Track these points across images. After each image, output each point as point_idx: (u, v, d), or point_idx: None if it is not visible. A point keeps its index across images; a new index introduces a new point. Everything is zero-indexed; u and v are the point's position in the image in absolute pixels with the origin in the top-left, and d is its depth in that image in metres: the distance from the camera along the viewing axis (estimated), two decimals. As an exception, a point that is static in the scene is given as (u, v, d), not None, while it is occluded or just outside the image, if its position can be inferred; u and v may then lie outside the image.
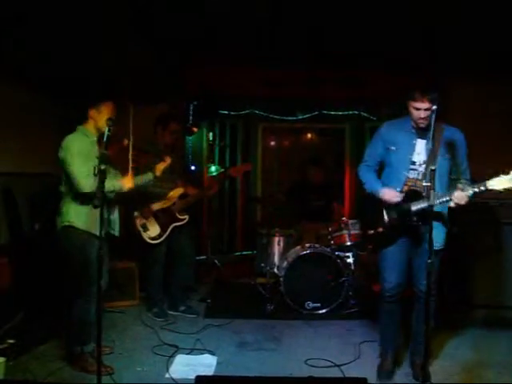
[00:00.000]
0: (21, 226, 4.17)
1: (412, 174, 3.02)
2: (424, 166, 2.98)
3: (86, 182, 2.97)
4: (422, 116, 2.88)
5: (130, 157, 3.06)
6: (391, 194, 3.00)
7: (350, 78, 5.58)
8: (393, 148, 3.08)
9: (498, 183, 2.62)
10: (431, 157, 2.75)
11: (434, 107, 2.58)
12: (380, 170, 3.26)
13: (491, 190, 2.67)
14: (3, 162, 3.97)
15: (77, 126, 3.20)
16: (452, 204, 2.79)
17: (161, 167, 3.63)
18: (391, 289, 3.07)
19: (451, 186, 3.00)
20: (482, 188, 2.69)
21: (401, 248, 3.06)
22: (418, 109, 2.89)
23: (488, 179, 2.66)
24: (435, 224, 2.82)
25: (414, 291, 3.12)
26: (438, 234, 2.95)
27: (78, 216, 3.10)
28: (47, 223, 4.09)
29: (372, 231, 3.13)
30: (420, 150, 3.01)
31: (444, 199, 2.79)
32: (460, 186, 2.80)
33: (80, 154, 3.02)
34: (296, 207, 5.41)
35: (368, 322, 4.13)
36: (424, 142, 2.99)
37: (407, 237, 3.05)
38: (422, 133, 2.99)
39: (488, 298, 4.37)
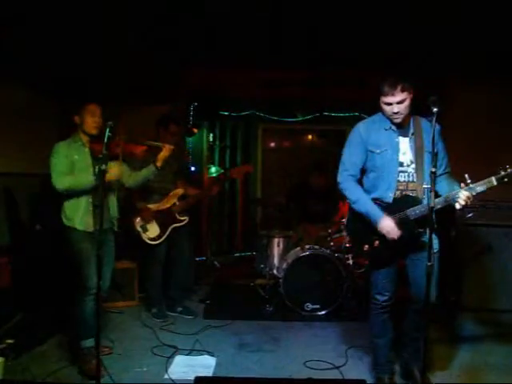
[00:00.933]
0: (21, 226, 4.17)
1: (402, 177, 2.78)
2: (413, 166, 2.77)
3: (58, 178, 3.10)
4: (396, 111, 2.68)
5: (120, 153, 3.11)
6: (395, 231, 2.70)
7: (349, 79, 5.58)
8: (376, 150, 2.81)
9: (504, 177, 2.50)
10: (432, 157, 2.42)
11: (435, 109, 2.40)
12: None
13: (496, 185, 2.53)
14: (3, 162, 3.97)
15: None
16: (458, 205, 2.57)
17: (162, 157, 3.57)
18: (385, 301, 2.92)
19: (439, 183, 2.76)
20: (488, 185, 2.53)
21: (394, 261, 2.90)
22: (389, 104, 2.70)
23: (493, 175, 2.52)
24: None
25: (412, 297, 2.92)
26: (434, 239, 2.70)
27: (73, 216, 3.19)
28: (48, 223, 4.10)
29: (367, 246, 2.86)
30: (405, 149, 2.79)
31: (448, 199, 2.60)
32: (463, 184, 2.58)
33: (61, 157, 3.14)
34: (297, 209, 5.38)
35: (367, 323, 4.12)
36: (406, 139, 2.79)
37: (404, 246, 2.80)
38: (401, 130, 2.80)
39: (479, 300, 4.39)
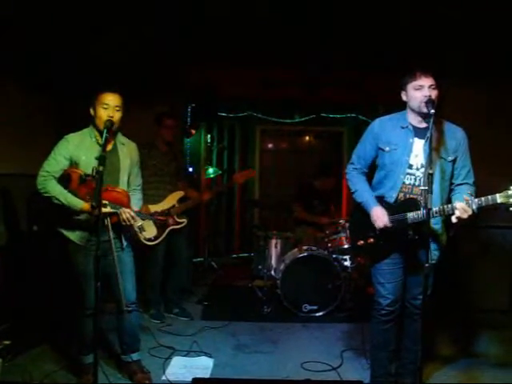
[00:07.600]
0: (19, 227, 4.15)
1: (408, 180, 2.69)
2: (422, 170, 2.64)
3: (39, 177, 2.77)
4: (428, 94, 2.53)
5: None
6: (382, 220, 2.69)
7: (348, 81, 5.59)
8: (386, 148, 2.73)
9: (509, 197, 2.31)
10: (429, 159, 2.39)
11: (432, 111, 2.44)
12: (372, 170, 2.94)
13: (501, 204, 2.33)
14: (2, 163, 3.95)
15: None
16: (454, 218, 2.44)
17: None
18: (388, 305, 2.76)
19: (452, 193, 2.70)
20: (491, 202, 2.35)
21: (395, 261, 2.77)
22: (421, 87, 2.57)
23: (498, 192, 2.33)
24: (431, 239, 2.57)
25: (406, 307, 2.84)
26: (433, 249, 2.68)
27: (68, 226, 2.86)
28: (45, 225, 4.09)
29: (362, 242, 2.86)
30: (418, 151, 2.67)
31: (446, 210, 2.49)
32: (466, 197, 2.44)
33: (58, 156, 2.80)
34: (301, 211, 5.32)
35: (364, 324, 4.11)
36: (422, 141, 2.65)
37: (401, 250, 2.76)
38: (420, 131, 2.67)
39: (475, 301, 4.40)
